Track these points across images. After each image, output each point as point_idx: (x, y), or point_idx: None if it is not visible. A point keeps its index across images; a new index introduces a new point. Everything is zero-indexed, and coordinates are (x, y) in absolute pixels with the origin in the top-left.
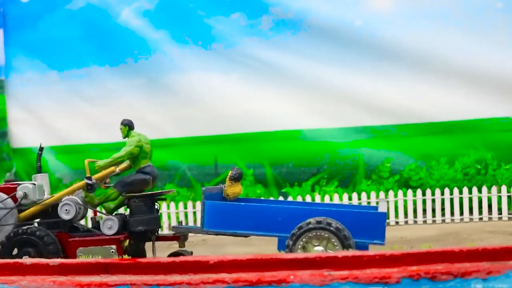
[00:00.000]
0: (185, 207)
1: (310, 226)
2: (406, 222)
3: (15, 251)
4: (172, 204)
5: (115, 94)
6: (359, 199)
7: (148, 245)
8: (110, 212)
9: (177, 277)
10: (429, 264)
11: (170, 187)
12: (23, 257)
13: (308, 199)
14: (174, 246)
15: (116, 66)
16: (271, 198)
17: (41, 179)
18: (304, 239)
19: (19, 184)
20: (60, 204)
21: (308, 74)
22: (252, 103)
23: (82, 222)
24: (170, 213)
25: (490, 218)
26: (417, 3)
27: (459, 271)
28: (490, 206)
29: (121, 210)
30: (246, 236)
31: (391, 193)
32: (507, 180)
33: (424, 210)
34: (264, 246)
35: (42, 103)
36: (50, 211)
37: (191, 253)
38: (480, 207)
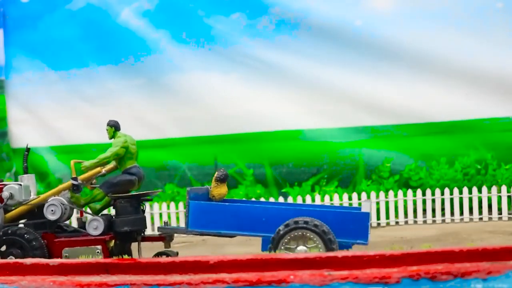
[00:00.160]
0: (185, 207)
1: (292, 226)
2: (406, 222)
3: (3, 248)
4: (172, 204)
5: (115, 94)
6: (359, 199)
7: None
8: (96, 212)
9: (177, 277)
10: (429, 264)
11: (170, 187)
12: (8, 257)
13: (308, 199)
14: (175, 246)
15: (116, 66)
16: (271, 198)
17: (28, 180)
18: (286, 239)
19: (5, 185)
20: (46, 205)
21: (308, 74)
22: (252, 103)
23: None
24: (170, 213)
25: (490, 218)
26: (417, 3)
27: (459, 271)
28: (490, 206)
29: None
30: (230, 236)
31: (391, 193)
32: (507, 180)
33: (424, 210)
34: None
35: (42, 103)
36: (36, 212)
37: (177, 253)
38: (480, 207)
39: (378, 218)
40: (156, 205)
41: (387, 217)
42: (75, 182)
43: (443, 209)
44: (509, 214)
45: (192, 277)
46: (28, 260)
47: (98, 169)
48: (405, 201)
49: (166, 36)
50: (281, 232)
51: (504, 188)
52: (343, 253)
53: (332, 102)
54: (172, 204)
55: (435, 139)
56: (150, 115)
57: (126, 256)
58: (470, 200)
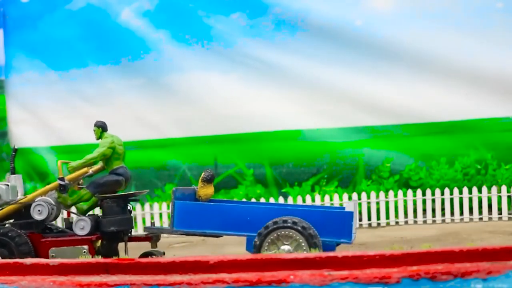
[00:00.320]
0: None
1: (276, 225)
2: (406, 222)
3: None
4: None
5: (115, 94)
6: (359, 199)
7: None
8: (83, 213)
9: (177, 277)
10: (429, 264)
11: (170, 187)
12: None
13: (308, 199)
14: (175, 246)
15: (116, 66)
16: (271, 198)
17: (15, 180)
18: (271, 238)
19: None
20: (33, 205)
21: (308, 74)
22: (252, 103)
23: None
24: (169, 213)
25: (490, 218)
26: (417, 3)
27: (459, 271)
28: (490, 206)
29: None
30: (216, 236)
31: (391, 193)
32: (507, 180)
33: (424, 210)
34: None
35: (42, 103)
36: (23, 212)
37: (163, 253)
38: (480, 207)
39: (378, 218)
40: (156, 205)
41: (387, 217)
42: (62, 183)
43: (443, 209)
44: (509, 214)
45: (192, 277)
46: (28, 260)
47: (85, 169)
48: (405, 201)
49: (166, 36)
50: (264, 233)
51: (504, 188)
52: (343, 253)
53: (332, 102)
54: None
55: (435, 139)
56: (150, 115)
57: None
58: (470, 200)
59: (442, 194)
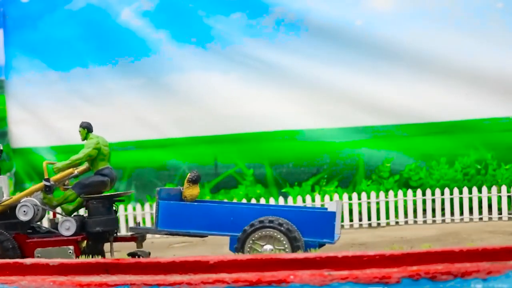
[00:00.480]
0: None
1: (257, 226)
2: (406, 222)
3: None
4: None
5: (115, 94)
6: (359, 199)
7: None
8: (69, 213)
9: (177, 277)
10: (429, 264)
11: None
12: None
13: (308, 199)
14: (175, 246)
15: (116, 66)
16: (271, 198)
17: (1, 181)
18: (253, 238)
19: None
20: (18, 206)
21: (308, 74)
22: (252, 103)
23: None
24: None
25: (490, 218)
26: (417, 3)
27: (459, 271)
28: (490, 206)
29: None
30: (200, 236)
31: (391, 193)
32: (507, 180)
33: (424, 210)
34: None
35: (42, 103)
36: (8, 213)
37: (149, 253)
38: (480, 207)
39: (378, 218)
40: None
41: (387, 217)
42: (47, 183)
43: (443, 209)
44: (509, 214)
45: (192, 277)
46: (28, 260)
47: (70, 170)
48: (405, 201)
49: (166, 36)
50: (247, 232)
51: (504, 188)
52: (343, 253)
53: (332, 102)
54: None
55: (435, 139)
56: (150, 115)
57: (98, 257)
58: (470, 200)
59: (442, 194)
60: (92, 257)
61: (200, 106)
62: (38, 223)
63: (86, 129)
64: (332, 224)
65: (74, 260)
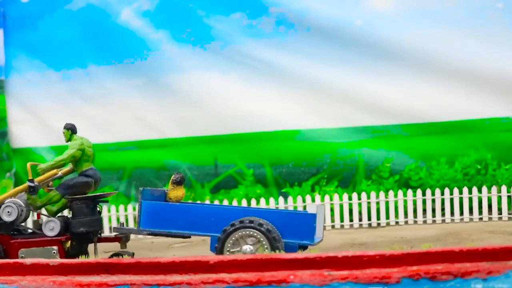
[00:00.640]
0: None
1: (238, 225)
2: (406, 222)
3: None
4: None
5: (115, 94)
6: (359, 199)
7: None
8: (53, 214)
9: (177, 277)
10: (429, 264)
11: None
12: None
13: (308, 199)
14: (175, 246)
15: (116, 66)
16: (271, 198)
17: None
18: (233, 239)
19: None
20: (2, 206)
21: (308, 74)
22: (252, 103)
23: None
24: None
25: (490, 218)
26: (417, 3)
27: (459, 271)
28: (490, 206)
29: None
30: (182, 236)
31: (391, 193)
32: (507, 180)
33: (424, 210)
34: None
35: (42, 103)
36: None
37: (133, 254)
38: (480, 207)
39: (378, 218)
40: None
41: (387, 217)
42: (31, 184)
43: (443, 209)
44: (509, 214)
45: (192, 277)
46: (28, 260)
47: (54, 171)
48: (405, 201)
49: (166, 36)
50: (227, 232)
51: (504, 188)
52: (343, 253)
53: (332, 102)
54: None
55: (435, 139)
56: (150, 115)
57: (82, 257)
58: (470, 200)
59: (442, 194)
60: (76, 257)
61: (200, 106)
62: (22, 224)
63: (70, 130)
64: (311, 226)
65: (74, 260)
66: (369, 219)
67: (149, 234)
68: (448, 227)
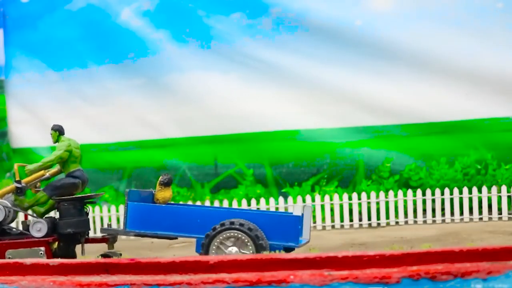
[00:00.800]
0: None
1: (223, 227)
2: (406, 222)
3: None
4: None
5: (115, 94)
6: (359, 199)
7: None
8: (40, 215)
9: (177, 277)
10: (429, 264)
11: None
12: None
13: (308, 199)
14: (175, 246)
15: (116, 66)
16: (271, 198)
17: None
18: (218, 240)
19: None
20: None
21: (307, 74)
22: (252, 103)
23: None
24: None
25: (490, 218)
26: (417, 3)
27: (459, 271)
28: (490, 206)
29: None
30: (167, 238)
31: (391, 193)
32: (507, 180)
33: (424, 210)
34: None
35: (42, 103)
36: None
37: (120, 255)
38: (480, 207)
39: (378, 218)
40: None
41: (387, 217)
42: (18, 185)
43: (443, 209)
44: (509, 214)
45: (192, 277)
46: (28, 260)
47: (41, 172)
48: (405, 201)
49: (166, 36)
50: (213, 233)
51: (504, 188)
52: (343, 253)
53: (332, 102)
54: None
55: (435, 139)
56: (150, 115)
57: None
58: (470, 200)
59: (442, 194)
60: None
61: (200, 106)
62: (10, 225)
63: (58, 131)
64: (296, 228)
65: (74, 260)
66: (369, 219)
67: (135, 235)
68: (448, 227)
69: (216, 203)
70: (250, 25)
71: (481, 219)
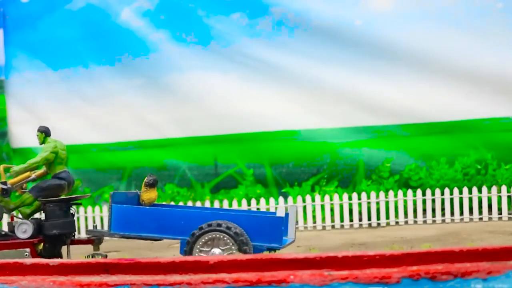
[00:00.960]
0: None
1: (206, 229)
2: (406, 222)
3: None
4: (172, 204)
5: (115, 94)
6: (359, 199)
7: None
8: (26, 216)
9: (177, 277)
10: (429, 264)
11: (170, 187)
12: None
13: (308, 199)
14: (175, 246)
15: (116, 66)
16: (271, 198)
17: None
18: (201, 242)
19: None
20: None
21: (307, 74)
22: (252, 103)
23: None
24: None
25: (490, 218)
26: (417, 3)
27: (459, 271)
28: (490, 206)
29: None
30: (152, 239)
31: (391, 193)
32: (507, 180)
33: (424, 210)
34: None
35: (42, 103)
36: None
37: (106, 256)
38: (480, 207)
39: (378, 218)
40: None
41: (387, 217)
42: (4, 187)
43: (443, 209)
44: (509, 214)
45: (192, 277)
46: (28, 260)
47: (27, 173)
48: (405, 201)
49: (166, 36)
50: (196, 235)
51: (504, 188)
52: (343, 253)
53: (332, 102)
54: (172, 204)
55: (435, 139)
56: (150, 115)
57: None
58: (470, 200)
59: (442, 194)
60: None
61: (200, 106)
62: None
63: (44, 133)
64: (279, 229)
65: (74, 260)
66: (369, 219)
67: (120, 237)
68: (448, 227)
69: (216, 203)
70: (250, 25)
71: (481, 219)
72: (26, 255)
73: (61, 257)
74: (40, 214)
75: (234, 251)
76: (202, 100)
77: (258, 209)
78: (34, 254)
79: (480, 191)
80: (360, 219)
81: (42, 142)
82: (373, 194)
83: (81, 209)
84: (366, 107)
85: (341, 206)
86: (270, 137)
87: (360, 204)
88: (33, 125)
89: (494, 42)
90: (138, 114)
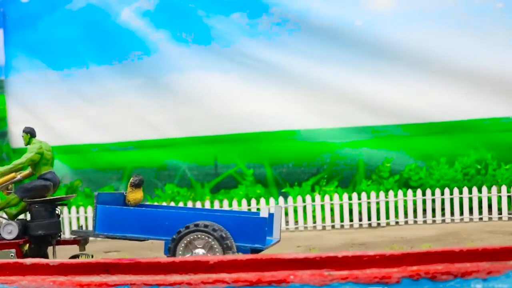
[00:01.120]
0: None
1: (189, 229)
2: (406, 222)
3: None
4: (172, 204)
5: (115, 94)
6: (359, 199)
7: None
8: (12, 217)
9: (177, 277)
10: (429, 264)
11: (170, 187)
12: None
13: (308, 199)
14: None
15: (116, 66)
16: (271, 198)
17: None
18: (185, 242)
19: None
20: None
21: (307, 74)
22: (252, 103)
23: None
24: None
25: (490, 218)
26: (417, 3)
27: (459, 271)
28: (490, 206)
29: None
30: (136, 240)
31: (391, 193)
32: (507, 180)
33: (424, 210)
34: None
35: (42, 103)
36: None
37: (92, 256)
38: (480, 207)
39: (378, 218)
40: None
41: (387, 217)
42: None
43: (443, 209)
44: (509, 214)
45: (192, 277)
46: (28, 260)
47: (12, 174)
48: (405, 201)
49: (166, 36)
50: (179, 236)
51: (504, 188)
52: (343, 253)
53: (332, 102)
54: (172, 204)
55: (435, 139)
56: (150, 115)
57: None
58: (470, 200)
59: (442, 194)
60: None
61: (200, 106)
62: None
63: (29, 134)
64: (263, 229)
65: (74, 260)
66: (369, 219)
67: (105, 238)
68: (448, 227)
69: (216, 203)
70: (250, 25)
71: (481, 219)
72: (12, 256)
73: (47, 257)
74: (26, 215)
75: (217, 252)
76: (202, 100)
77: (258, 209)
78: (20, 254)
79: (480, 191)
80: (360, 219)
81: (28, 143)
82: (373, 194)
83: (81, 209)
84: (366, 107)
85: (341, 206)
86: (270, 137)
87: (360, 204)
88: (33, 125)
89: (494, 42)
90: (138, 114)
